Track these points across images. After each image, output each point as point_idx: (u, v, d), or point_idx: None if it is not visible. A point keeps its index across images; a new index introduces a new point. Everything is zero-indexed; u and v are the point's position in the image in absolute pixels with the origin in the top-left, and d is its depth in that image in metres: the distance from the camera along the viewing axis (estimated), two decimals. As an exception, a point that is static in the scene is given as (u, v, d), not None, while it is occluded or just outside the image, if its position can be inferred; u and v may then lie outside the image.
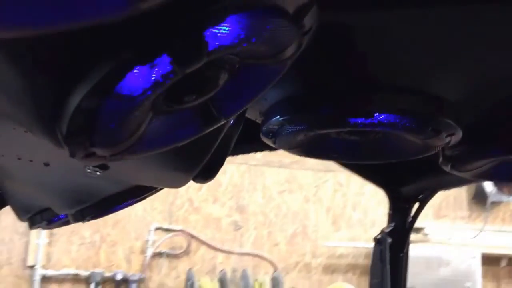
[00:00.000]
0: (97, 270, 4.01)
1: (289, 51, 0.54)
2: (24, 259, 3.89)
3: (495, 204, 4.69)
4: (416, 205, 1.79)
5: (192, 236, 4.26)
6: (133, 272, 4.10)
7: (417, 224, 5.01)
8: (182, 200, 4.25)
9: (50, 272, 3.90)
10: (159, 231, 4.19)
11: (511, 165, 0.99)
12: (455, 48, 0.74)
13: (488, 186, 4.50)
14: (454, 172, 1.05)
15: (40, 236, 3.87)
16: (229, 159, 0.89)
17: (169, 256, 4.22)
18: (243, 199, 4.43)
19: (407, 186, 1.76)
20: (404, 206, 1.83)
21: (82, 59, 0.42)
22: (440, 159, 1.03)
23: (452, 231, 4.65)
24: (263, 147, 1.09)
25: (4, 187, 1.11)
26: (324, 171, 4.42)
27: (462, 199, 4.75)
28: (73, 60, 0.42)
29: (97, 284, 3.96)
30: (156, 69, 0.44)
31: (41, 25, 0.32)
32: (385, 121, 0.80)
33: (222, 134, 0.73)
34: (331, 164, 1.29)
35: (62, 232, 3.94)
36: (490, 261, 4.58)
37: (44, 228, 1.27)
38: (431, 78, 0.79)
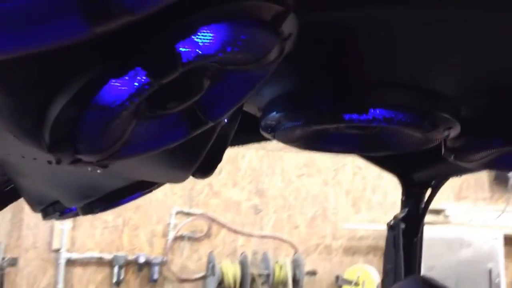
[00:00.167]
0: (120, 253, 4.09)
1: (271, 56, 0.55)
2: (49, 243, 4.00)
3: (517, 185, 4.62)
4: (429, 191, 1.79)
5: (213, 220, 4.32)
6: (156, 255, 4.17)
7: (437, 206, 4.96)
8: (202, 184, 4.30)
9: (74, 256, 4.00)
10: (180, 215, 4.25)
11: (513, 156, 0.99)
12: (448, 42, 0.73)
13: (511, 167, 4.43)
14: (458, 163, 1.05)
15: (64, 221, 3.96)
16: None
17: (190, 239, 4.28)
18: (263, 183, 4.46)
19: (419, 173, 1.76)
20: (417, 192, 1.83)
21: (59, 73, 0.44)
22: (443, 151, 1.03)
23: (473, 212, 4.61)
24: (263, 138, 1.09)
25: (16, 181, 1.14)
26: (343, 155, 4.41)
27: (484, 181, 4.70)
28: (50, 74, 0.44)
29: (120, 267, 4.05)
30: (131, 82, 0.45)
31: (7, 50, 0.34)
32: (380, 117, 0.80)
33: (216, 133, 0.75)
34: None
35: (86, 217, 4.01)
36: (512, 242, 4.54)
37: (57, 219, 1.31)
38: (426, 73, 0.79)
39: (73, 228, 4.03)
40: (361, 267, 4.45)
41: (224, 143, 0.83)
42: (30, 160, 0.86)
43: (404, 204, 1.86)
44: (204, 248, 4.29)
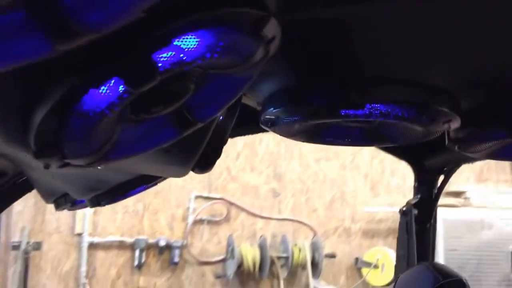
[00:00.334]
0: (141, 237, 4.16)
1: (255, 59, 0.55)
2: (72, 228, 4.08)
3: (540, 166, 4.55)
4: (442, 177, 1.78)
5: (231, 204, 4.35)
6: (176, 238, 4.23)
7: (458, 188, 4.89)
8: (220, 169, 4.33)
9: (96, 239, 4.08)
10: (199, 199, 4.29)
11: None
12: (443, 36, 0.72)
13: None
14: (462, 153, 1.04)
15: (84, 206, 4.02)
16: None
17: (210, 222, 4.32)
18: (280, 167, 4.47)
19: (431, 160, 1.75)
20: (430, 179, 1.82)
21: (38, 85, 0.45)
22: (446, 141, 1.02)
23: (495, 194, 4.56)
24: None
25: (28, 173, 1.17)
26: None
27: (505, 163, 4.63)
28: (29, 86, 0.45)
29: (141, 250, 4.12)
30: (109, 91, 0.46)
31: None
32: (377, 112, 0.80)
33: (211, 131, 0.76)
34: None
35: (106, 202, 4.08)
36: (535, 224, 4.48)
37: (69, 209, 1.34)
38: (422, 67, 0.78)
39: (95, 213, 4.11)
40: (380, 249, 4.45)
41: (222, 138, 0.84)
42: (35, 157, 0.89)
43: (416, 190, 1.86)
44: (223, 232, 4.33)
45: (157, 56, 0.46)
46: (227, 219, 4.36)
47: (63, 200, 1.27)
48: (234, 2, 0.47)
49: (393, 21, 0.71)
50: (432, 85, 0.80)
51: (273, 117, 0.89)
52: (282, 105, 0.85)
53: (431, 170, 1.76)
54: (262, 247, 4.20)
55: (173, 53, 0.47)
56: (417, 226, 1.91)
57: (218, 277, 4.28)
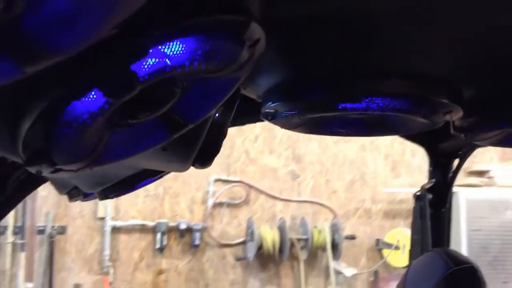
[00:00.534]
0: (162, 220, 4.22)
1: (239, 62, 0.55)
2: (95, 212, 4.16)
3: None
4: (456, 161, 1.76)
5: (251, 186, 4.37)
6: (196, 221, 4.28)
7: (481, 167, 4.82)
8: (239, 152, 4.34)
9: (119, 223, 4.15)
10: (218, 182, 4.33)
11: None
12: (441, 25, 0.71)
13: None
14: (469, 141, 1.03)
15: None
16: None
17: (230, 205, 4.36)
18: (299, 149, 4.46)
19: (445, 143, 1.73)
20: (444, 162, 1.80)
21: (21, 98, 0.46)
22: (451, 130, 1.01)
23: (518, 174, 4.50)
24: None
25: (40, 166, 1.19)
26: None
27: (529, 142, 4.55)
28: (11, 100, 0.46)
29: (163, 234, 4.18)
30: (90, 102, 0.47)
31: None
32: (374, 105, 0.79)
33: (207, 128, 0.76)
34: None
35: (128, 186, 4.14)
36: (560, 204, 4.41)
37: (82, 200, 1.37)
38: (419, 59, 0.77)
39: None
40: (401, 230, 4.43)
41: (220, 133, 0.85)
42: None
43: (431, 174, 1.84)
44: (243, 214, 4.36)
45: (137, 65, 0.46)
46: (246, 201, 4.38)
47: (76, 192, 1.29)
48: (213, 10, 0.48)
49: (387, 13, 0.70)
50: (430, 76, 0.79)
51: (273, 110, 0.89)
52: (280, 100, 0.85)
53: (446, 154, 1.74)
54: (281, 229, 4.22)
55: (155, 61, 0.47)
56: (432, 211, 1.90)
57: (238, 259, 4.32)
